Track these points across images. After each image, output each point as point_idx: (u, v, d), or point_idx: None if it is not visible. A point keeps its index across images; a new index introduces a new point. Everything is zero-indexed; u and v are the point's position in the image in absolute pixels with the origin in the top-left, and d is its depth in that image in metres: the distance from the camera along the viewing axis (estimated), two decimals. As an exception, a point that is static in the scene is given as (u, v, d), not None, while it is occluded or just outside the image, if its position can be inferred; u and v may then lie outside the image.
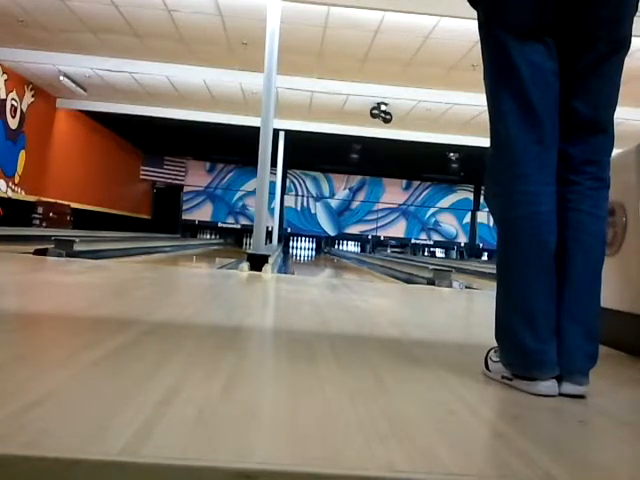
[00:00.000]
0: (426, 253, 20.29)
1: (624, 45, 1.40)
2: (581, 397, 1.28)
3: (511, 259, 1.38)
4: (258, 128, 5.68)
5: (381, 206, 20.25)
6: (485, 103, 1.46)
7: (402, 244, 20.13)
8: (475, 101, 9.44)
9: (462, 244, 20.36)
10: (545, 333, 1.31)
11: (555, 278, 1.34)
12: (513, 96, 1.36)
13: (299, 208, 20.18)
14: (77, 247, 5.66)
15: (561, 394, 1.28)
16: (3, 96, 10.58)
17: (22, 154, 11.40)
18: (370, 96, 10.61)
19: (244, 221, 19.35)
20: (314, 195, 20.26)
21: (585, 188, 1.39)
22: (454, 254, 20.10)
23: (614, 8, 1.36)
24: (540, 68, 1.35)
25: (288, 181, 19.76)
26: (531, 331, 1.31)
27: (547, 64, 1.36)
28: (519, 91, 1.35)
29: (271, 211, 13.19)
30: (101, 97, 12.10)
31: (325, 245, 20.35)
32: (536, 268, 1.33)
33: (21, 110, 11.25)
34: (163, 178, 19.49)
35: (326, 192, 20.33)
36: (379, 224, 20.20)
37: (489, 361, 1.44)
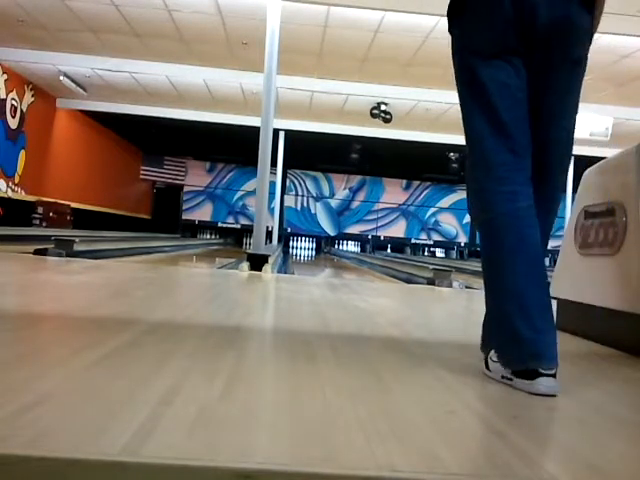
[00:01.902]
0: (426, 253, 20.29)
1: (579, 64, 1.54)
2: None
3: (497, 256, 1.45)
4: (258, 128, 5.69)
5: (381, 206, 20.24)
6: None
7: (402, 244, 20.11)
8: (475, 101, 9.42)
9: (462, 244, 20.35)
10: (539, 323, 1.34)
11: (544, 269, 1.42)
12: (483, 112, 1.49)
13: (299, 208, 20.17)
14: (77, 247, 5.66)
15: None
16: (3, 96, 10.58)
17: (22, 154, 11.40)
18: (370, 96, 10.60)
19: (244, 221, 19.34)
20: (314, 195, 20.26)
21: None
22: (454, 254, 20.10)
23: (566, 37, 1.49)
24: (507, 85, 1.47)
25: (288, 181, 19.75)
26: (526, 322, 1.33)
27: (513, 82, 1.48)
28: (488, 107, 1.48)
29: (271, 211, 13.19)
30: (101, 97, 12.10)
31: (325, 245, 20.35)
32: (522, 261, 1.40)
33: (21, 110, 11.25)
34: (163, 178, 19.49)
35: (326, 192, 20.33)
36: (379, 224, 20.19)
37: (489, 361, 1.45)
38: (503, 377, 1.38)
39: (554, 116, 1.54)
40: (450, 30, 1.60)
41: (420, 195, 20.37)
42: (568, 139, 1.58)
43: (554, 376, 1.29)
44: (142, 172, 19.10)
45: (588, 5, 1.51)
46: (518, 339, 1.34)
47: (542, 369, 1.28)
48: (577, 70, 1.55)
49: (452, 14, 1.60)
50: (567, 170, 1.63)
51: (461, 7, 1.56)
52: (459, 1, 1.57)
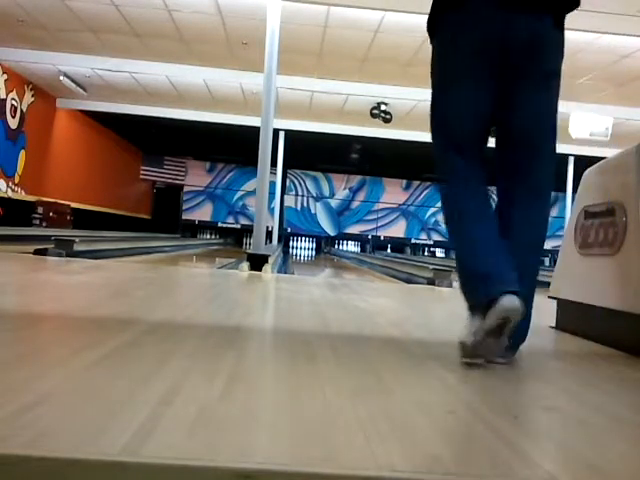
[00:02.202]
0: (426, 253, 20.28)
1: (554, 76, 1.69)
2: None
3: (460, 248, 1.69)
4: (258, 128, 5.69)
5: (381, 206, 20.24)
6: None
7: (402, 244, 20.11)
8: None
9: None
10: (499, 264, 1.55)
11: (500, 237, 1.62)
12: (440, 128, 1.73)
13: (299, 208, 20.18)
14: (77, 247, 5.66)
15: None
16: (3, 96, 10.58)
17: (22, 154, 11.40)
18: (370, 96, 10.60)
19: (244, 221, 19.34)
20: (314, 195, 20.26)
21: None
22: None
23: (540, 54, 1.63)
24: (473, 106, 1.66)
25: (288, 181, 19.75)
26: (498, 272, 1.53)
27: (481, 103, 1.65)
28: (448, 126, 1.70)
29: (271, 211, 13.19)
30: (101, 97, 12.10)
31: (325, 245, 20.35)
32: (480, 251, 1.61)
33: (21, 110, 11.25)
34: (163, 178, 19.50)
35: (326, 192, 20.33)
36: (379, 224, 20.19)
37: (464, 338, 1.51)
38: (475, 333, 1.47)
39: (534, 128, 1.67)
40: (431, 42, 1.76)
41: (420, 195, 20.37)
42: (550, 145, 1.71)
43: (516, 295, 1.45)
44: (142, 172, 19.10)
45: (559, 24, 1.68)
46: (483, 279, 1.53)
47: (504, 291, 1.45)
48: (552, 82, 1.69)
49: (432, 29, 1.76)
50: (552, 170, 1.72)
51: (441, 25, 1.72)
52: (440, 19, 1.72)
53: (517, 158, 1.68)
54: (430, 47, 1.76)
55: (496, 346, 1.48)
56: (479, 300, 1.50)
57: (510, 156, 1.70)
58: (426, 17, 1.77)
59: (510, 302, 1.43)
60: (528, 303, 1.58)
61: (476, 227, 1.62)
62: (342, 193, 20.31)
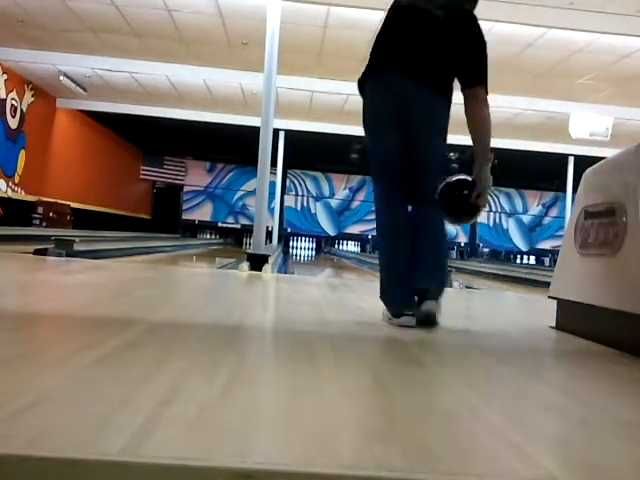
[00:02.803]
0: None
1: (439, 130, 2.31)
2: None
3: (383, 258, 2.38)
4: (258, 128, 5.69)
5: (381, 206, 20.22)
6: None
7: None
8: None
9: (462, 244, 20.33)
10: (405, 293, 2.23)
11: (405, 265, 2.26)
12: (373, 163, 2.43)
13: (299, 208, 20.18)
14: (77, 247, 5.67)
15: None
16: (3, 96, 10.58)
17: (22, 154, 11.40)
18: (370, 96, 10.60)
19: (244, 221, 19.35)
20: (314, 195, 20.26)
21: None
22: (454, 254, 20.08)
23: (429, 116, 2.26)
24: (389, 147, 2.29)
25: (288, 181, 19.76)
26: (398, 292, 2.25)
27: (394, 143, 2.27)
28: (377, 161, 2.41)
29: (271, 211, 13.20)
30: (101, 97, 12.10)
31: (325, 245, 20.35)
32: (392, 263, 2.31)
33: (21, 110, 11.26)
34: (163, 178, 19.50)
35: (326, 192, 20.33)
36: (379, 224, 20.16)
37: (384, 313, 2.26)
38: (389, 319, 2.21)
39: (424, 162, 2.29)
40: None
41: (420, 195, 20.32)
42: (438, 174, 2.27)
43: (413, 316, 2.15)
44: (142, 172, 19.11)
45: (441, 92, 2.24)
46: (395, 303, 2.23)
47: (405, 312, 2.16)
48: (436, 134, 2.30)
49: (361, 89, 2.47)
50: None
51: (364, 86, 2.44)
52: (364, 82, 2.44)
53: (416, 184, 2.27)
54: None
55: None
56: (389, 309, 2.23)
57: (412, 182, 2.28)
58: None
59: (406, 321, 2.14)
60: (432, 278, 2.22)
61: (394, 255, 2.29)
62: (342, 193, 20.31)
